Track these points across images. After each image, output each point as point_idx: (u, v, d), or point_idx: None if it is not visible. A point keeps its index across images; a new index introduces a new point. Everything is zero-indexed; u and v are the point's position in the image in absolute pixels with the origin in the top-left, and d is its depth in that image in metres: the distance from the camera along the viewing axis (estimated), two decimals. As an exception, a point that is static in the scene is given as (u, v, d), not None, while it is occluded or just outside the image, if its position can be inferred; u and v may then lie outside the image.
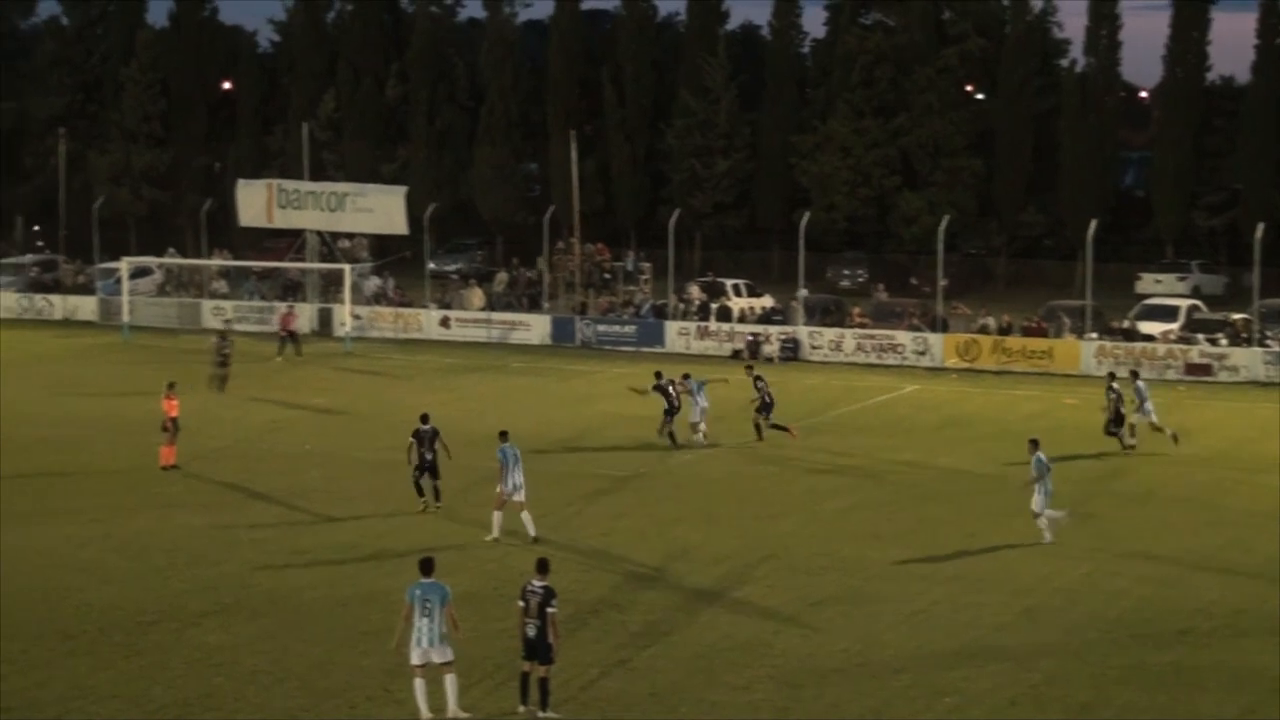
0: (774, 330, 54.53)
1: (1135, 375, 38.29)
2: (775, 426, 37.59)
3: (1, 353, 51.60)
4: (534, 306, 60.64)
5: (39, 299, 64.53)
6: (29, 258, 71.77)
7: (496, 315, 58.83)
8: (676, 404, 37.19)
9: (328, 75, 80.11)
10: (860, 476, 34.19)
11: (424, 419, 30.58)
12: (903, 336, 52.64)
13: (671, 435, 36.92)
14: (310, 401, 43.62)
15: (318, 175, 67.72)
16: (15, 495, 31.38)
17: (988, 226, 71.42)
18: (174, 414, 34.02)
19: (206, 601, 24.28)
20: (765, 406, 37.73)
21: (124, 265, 61.43)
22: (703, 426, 37.21)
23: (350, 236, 66.40)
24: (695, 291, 59.51)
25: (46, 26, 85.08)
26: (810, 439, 38.67)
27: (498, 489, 27.91)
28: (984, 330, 52.27)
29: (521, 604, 19.59)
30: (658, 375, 38.12)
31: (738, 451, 36.96)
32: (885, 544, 28.18)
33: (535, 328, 57.45)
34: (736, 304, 58.60)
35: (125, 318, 58.51)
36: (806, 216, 58.10)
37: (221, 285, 65.30)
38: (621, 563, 26.76)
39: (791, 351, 53.44)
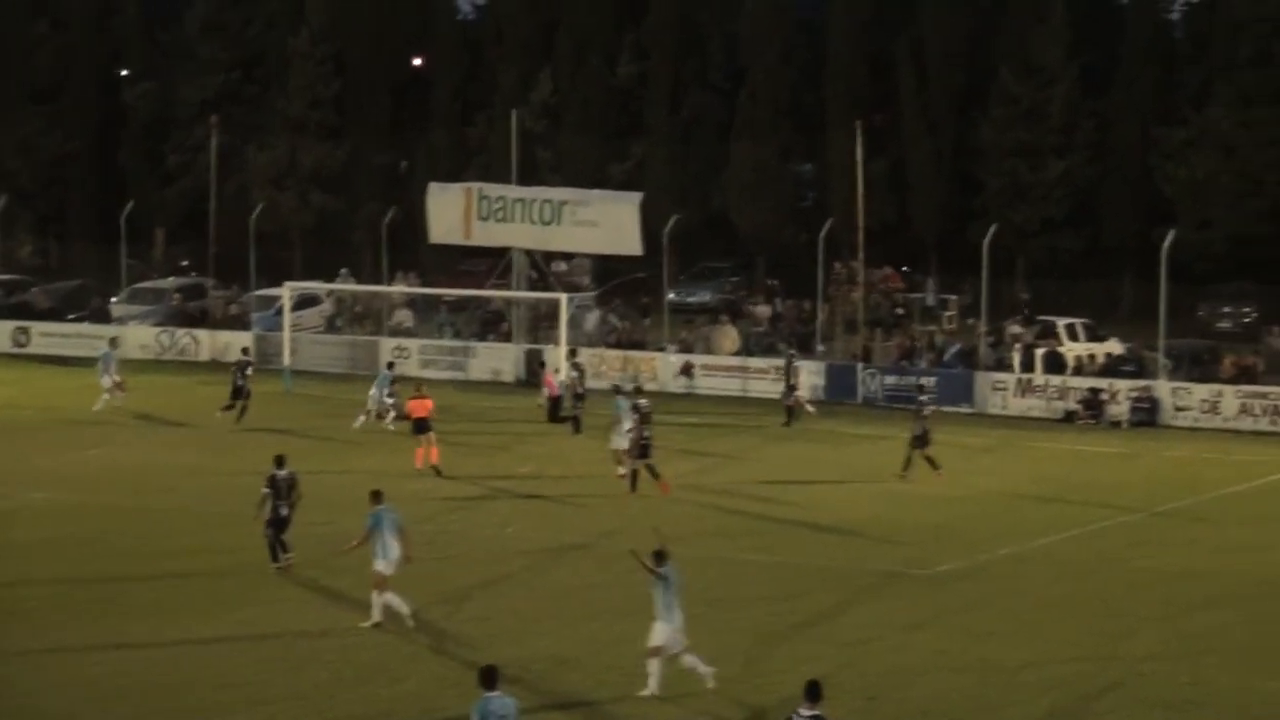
0: (1123, 385, 53.58)
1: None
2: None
3: (134, 404, 53.29)
4: (804, 350, 60.52)
5: (182, 335, 66.64)
6: (171, 281, 74.17)
7: (755, 361, 58.84)
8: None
9: (544, 50, 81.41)
10: (1245, 582, 33.38)
11: (279, 462, 32.63)
12: (1309, 396, 51.68)
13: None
14: (515, 471, 44.19)
15: (529, 178, 68.76)
16: (139, 589, 32.35)
17: None
18: (421, 414, 43.49)
19: (380, 728, 24.60)
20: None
21: (286, 292, 63.03)
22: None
23: (569, 257, 67.22)
24: (1017, 333, 58.73)
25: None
26: (1174, 530, 37.98)
27: (375, 565, 29.01)
28: None
29: (787, 741, 19.54)
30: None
31: (1071, 545, 36.45)
32: None
33: (805, 378, 57.31)
34: (1071, 350, 57.70)
35: (286, 360, 60.00)
36: (1171, 236, 56.96)
37: (406, 317, 66.60)
38: (915, 690, 26.40)
39: (1148, 413, 52.48)
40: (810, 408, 52.67)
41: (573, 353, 53.62)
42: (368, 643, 28.39)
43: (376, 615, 29.03)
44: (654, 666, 25.45)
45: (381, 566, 29.11)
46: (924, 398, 45.97)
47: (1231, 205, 69.66)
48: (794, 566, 34.03)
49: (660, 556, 25.71)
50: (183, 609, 30.31)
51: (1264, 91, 70.11)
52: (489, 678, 20.30)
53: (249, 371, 51.43)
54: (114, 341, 56.49)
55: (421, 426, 43.60)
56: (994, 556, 35.27)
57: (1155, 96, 73.14)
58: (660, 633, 25.40)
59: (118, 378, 53.11)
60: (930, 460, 42.68)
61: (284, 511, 32.38)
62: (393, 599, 28.99)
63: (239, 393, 50.52)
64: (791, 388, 52.86)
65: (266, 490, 32.49)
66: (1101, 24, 76.98)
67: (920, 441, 42.93)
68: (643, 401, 41.77)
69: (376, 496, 29.73)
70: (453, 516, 38.61)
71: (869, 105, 75.11)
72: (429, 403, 43.89)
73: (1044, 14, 73.97)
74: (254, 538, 33.22)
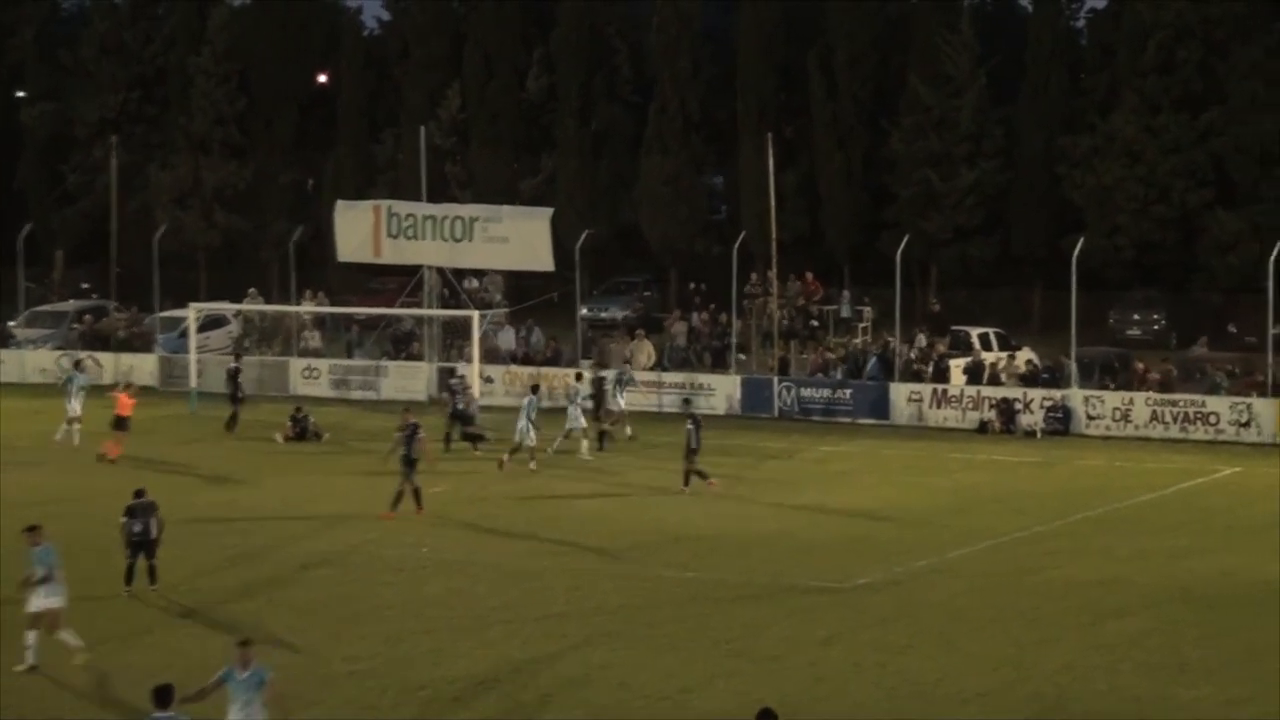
0: (1036, 394, 53.94)
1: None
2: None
3: (37, 428, 52.83)
4: (719, 364, 60.58)
5: (84, 358, 65.98)
6: (72, 304, 73.62)
7: (669, 376, 58.90)
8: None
9: (452, 65, 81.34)
10: (1158, 589, 33.70)
11: (138, 494, 33.48)
12: (1217, 403, 52.08)
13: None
14: (430, 489, 44.09)
15: (438, 194, 68.64)
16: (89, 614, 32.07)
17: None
18: (125, 413, 47.67)
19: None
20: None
21: (191, 313, 62.68)
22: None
23: (480, 274, 67.10)
24: (928, 343, 59.01)
25: (95, 5, 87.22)
26: (1088, 539, 38.29)
27: (41, 603, 28.42)
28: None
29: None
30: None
31: (987, 556, 36.74)
32: (1195, 679, 27.68)
33: (720, 392, 57.44)
34: (985, 359, 58.08)
35: (193, 382, 59.60)
36: (1080, 244, 57.41)
37: (314, 338, 66.32)
38: (832, 705, 26.49)
39: (1061, 422, 52.84)
40: (628, 429, 52.30)
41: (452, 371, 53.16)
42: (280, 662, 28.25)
43: (30, 658, 28.32)
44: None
45: (52, 603, 28.44)
46: (694, 410, 45.52)
47: (1138, 212, 70.22)
48: (709, 582, 34.10)
49: (245, 646, 22.39)
50: (95, 634, 30.02)
51: (1168, 98, 70.73)
52: (162, 697, 20.38)
53: (239, 379, 53.94)
54: (79, 365, 55.56)
55: (120, 424, 48.01)
56: (910, 569, 35.42)
57: (1062, 104, 73.75)
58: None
59: (80, 410, 51.08)
60: (699, 473, 43.04)
61: (137, 530, 32.83)
62: (67, 635, 28.48)
63: (234, 400, 53.44)
64: (606, 409, 52.27)
65: (125, 519, 32.99)
66: (1007, 30, 77.60)
67: (690, 453, 43.09)
68: (413, 420, 41.50)
69: (34, 534, 28.90)
70: (369, 535, 38.54)
71: (780, 117, 75.44)
72: (132, 402, 48.69)
73: (952, 21, 74.49)
74: (165, 562, 33.15)
